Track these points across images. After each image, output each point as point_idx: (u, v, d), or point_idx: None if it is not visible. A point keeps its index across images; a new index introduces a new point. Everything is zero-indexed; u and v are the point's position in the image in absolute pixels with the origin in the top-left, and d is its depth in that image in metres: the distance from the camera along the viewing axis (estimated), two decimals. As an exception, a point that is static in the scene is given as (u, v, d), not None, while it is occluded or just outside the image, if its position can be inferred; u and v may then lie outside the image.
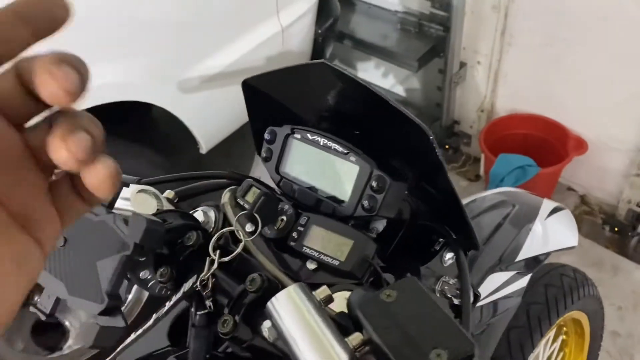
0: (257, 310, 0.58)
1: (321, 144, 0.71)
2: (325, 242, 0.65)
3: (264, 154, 0.76)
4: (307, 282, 0.62)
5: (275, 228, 0.69)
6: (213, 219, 0.74)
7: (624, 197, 2.26)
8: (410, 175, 0.66)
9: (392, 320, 0.43)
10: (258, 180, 0.73)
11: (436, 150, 0.57)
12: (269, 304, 0.51)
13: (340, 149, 0.68)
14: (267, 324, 0.54)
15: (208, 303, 0.62)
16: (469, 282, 0.63)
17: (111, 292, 0.54)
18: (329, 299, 0.51)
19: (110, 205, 0.62)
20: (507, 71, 2.38)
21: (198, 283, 0.60)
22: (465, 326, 0.58)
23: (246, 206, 0.72)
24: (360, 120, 0.68)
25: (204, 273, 0.60)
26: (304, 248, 0.67)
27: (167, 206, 0.70)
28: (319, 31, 2.15)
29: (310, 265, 0.67)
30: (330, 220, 0.67)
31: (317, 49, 2.20)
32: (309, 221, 0.68)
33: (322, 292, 0.51)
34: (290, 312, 0.49)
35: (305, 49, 2.16)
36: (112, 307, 0.54)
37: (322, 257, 0.65)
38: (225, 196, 0.75)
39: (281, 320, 0.49)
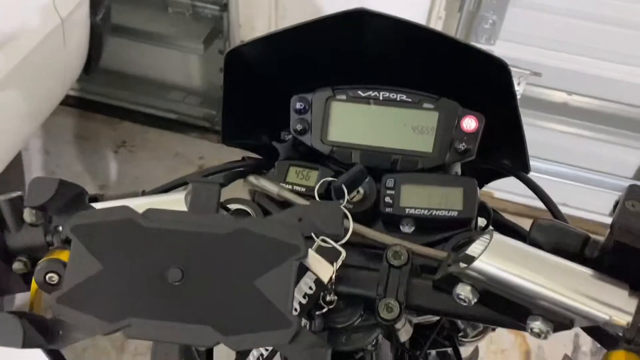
0: (410, 286, 0.52)
1: (381, 98, 0.64)
2: (428, 198, 0.61)
3: (297, 127, 0.66)
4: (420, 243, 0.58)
5: (352, 200, 0.61)
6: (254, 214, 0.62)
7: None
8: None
9: None
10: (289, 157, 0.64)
11: (512, 78, 0.58)
12: (479, 262, 0.46)
13: (408, 98, 0.64)
14: (463, 287, 0.48)
15: (331, 297, 0.53)
16: (545, 192, 0.66)
17: (291, 309, 0.42)
18: None
19: (226, 208, 0.47)
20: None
21: (333, 275, 0.50)
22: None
23: (297, 189, 0.63)
24: (406, 65, 0.64)
25: (339, 260, 0.51)
26: (407, 210, 0.61)
27: None
28: (96, 22, 1.90)
29: (408, 228, 0.62)
30: (418, 175, 0.63)
31: (94, 42, 1.96)
32: (396, 182, 0.62)
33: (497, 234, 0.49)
34: (517, 258, 0.46)
35: (85, 42, 1.90)
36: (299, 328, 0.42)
37: (435, 212, 0.60)
38: (268, 183, 0.63)
39: (509, 271, 0.45)
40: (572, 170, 2.32)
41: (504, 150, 0.70)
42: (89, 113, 2.67)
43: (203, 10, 2.31)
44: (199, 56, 2.39)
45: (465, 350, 0.90)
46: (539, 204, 2.44)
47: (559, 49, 2.07)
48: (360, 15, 0.59)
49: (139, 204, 0.54)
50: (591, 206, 2.41)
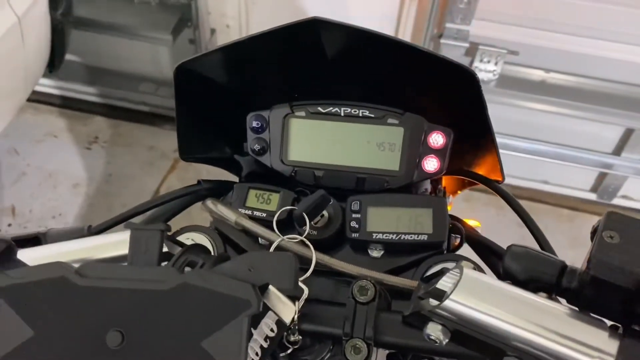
0: (378, 323, 0.49)
1: (342, 114, 0.60)
2: (396, 221, 0.57)
3: (255, 147, 0.62)
4: (385, 270, 0.54)
5: (316, 226, 0.57)
6: (210, 245, 0.58)
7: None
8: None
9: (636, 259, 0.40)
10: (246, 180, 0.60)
11: (481, 88, 0.54)
12: (449, 301, 0.43)
13: (371, 113, 0.59)
14: (433, 327, 0.45)
15: (295, 337, 0.49)
16: (519, 203, 0.62)
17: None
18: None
19: (178, 243, 0.43)
20: (256, 29, 2.39)
21: (295, 315, 0.46)
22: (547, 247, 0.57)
23: (258, 214, 0.59)
24: (368, 77, 0.60)
25: (301, 299, 0.47)
26: (375, 235, 0.57)
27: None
28: (57, 17, 1.83)
29: (377, 253, 0.58)
30: (385, 196, 0.59)
31: (57, 38, 1.88)
32: (362, 205, 0.58)
33: (467, 265, 0.45)
34: (489, 296, 0.42)
35: (46, 39, 1.82)
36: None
37: (403, 236, 0.57)
38: (226, 210, 0.59)
39: (481, 311, 0.42)
40: (551, 148, 2.30)
41: (476, 160, 0.66)
42: (59, 109, 2.59)
43: (169, -1, 2.23)
44: (168, 47, 2.32)
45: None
46: (532, 185, 2.35)
47: (535, 27, 2.03)
48: (314, 25, 0.54)
49: (79, 249, 0.50)
50: (572, 183, 2.40)
